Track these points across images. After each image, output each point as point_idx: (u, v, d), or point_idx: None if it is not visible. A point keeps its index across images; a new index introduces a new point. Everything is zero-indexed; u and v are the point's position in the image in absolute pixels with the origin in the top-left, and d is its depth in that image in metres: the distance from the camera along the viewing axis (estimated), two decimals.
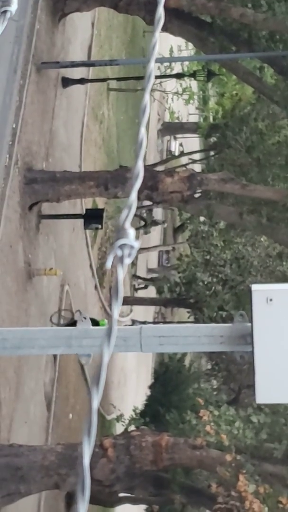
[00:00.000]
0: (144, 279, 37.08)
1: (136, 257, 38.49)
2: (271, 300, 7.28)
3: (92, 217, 22.79)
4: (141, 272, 40.31)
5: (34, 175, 20.18)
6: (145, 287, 36.94)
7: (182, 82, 39.56)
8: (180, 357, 31.09)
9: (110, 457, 16.36)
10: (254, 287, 7.34)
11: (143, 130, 2.08)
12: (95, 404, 1.91)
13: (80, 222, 23.96)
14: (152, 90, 35.64)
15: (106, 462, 16.41)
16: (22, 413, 20.02)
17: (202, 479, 19.92)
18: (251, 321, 7.31)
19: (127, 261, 2.07)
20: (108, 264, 2.10)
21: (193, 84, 43.84)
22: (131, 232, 2.08)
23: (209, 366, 35.86)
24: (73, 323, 23.50)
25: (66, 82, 24.22)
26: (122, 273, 2.06)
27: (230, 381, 31.71)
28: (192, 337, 7.72)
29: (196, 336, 7.72)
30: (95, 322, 24.16)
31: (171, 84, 39.93)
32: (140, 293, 37.85)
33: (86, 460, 1.89)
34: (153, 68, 2.11)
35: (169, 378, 29.65)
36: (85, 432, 1.90)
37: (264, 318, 7.31)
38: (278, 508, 15.33)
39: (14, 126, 19.39)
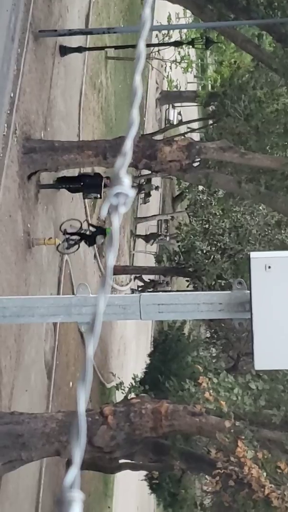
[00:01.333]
0: (140, 235, 36.92)
1: (135, 227, 38.54)
2: (269, 267, 7.34)
3: (91, 187, 22.79)
4: (140, 242, 40.38)
5: (33, 144, 20.16)
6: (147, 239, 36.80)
7: (180, 50, 39.37)
8: (180, 325, 31.24)
9: (110, 424, 16.49)
10: (253, 254, 7.39)
11: (138, 78, 2.07)
12: (90, 351, 1.96)
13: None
14: (150, 58, 35.46)
15: (106, 429, 16.53)
16: (23, 381, 20.17)
17: (201, 445, 20.11)
18: (249, 288, 7.38)
19: (123, 209, 2.05)
20: (103, 212, 2.08)
21: (192, 52, 43.62)
22: (126, 180, 2.06)
23: (208, 334, 36.04)
24: (81, 233, 23.54)
25: (64, 50, 24.12)
26: (117, 222, 2.04)
27: (229, 349, 31.88)
28: (191, 305, 7.80)
29: (195, 303, 7.80)
30: (102, 230, 24.23)
31: (169, 52, 39.74)
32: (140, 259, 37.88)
33: (82, 406, 1.95)
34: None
35: (168, 346, 29.81)
36: (80, 379, 1.96)
37: (263, 285, 7.38)
38: (276, 473, 15.49)
39: (12, 95, 19.34)
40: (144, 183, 37.99)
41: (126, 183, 2.04)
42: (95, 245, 25.62)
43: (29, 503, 20.27)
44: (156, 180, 41.66)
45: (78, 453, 1.92)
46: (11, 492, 18.91)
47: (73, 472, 1.89)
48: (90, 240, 23.97)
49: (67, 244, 23.45)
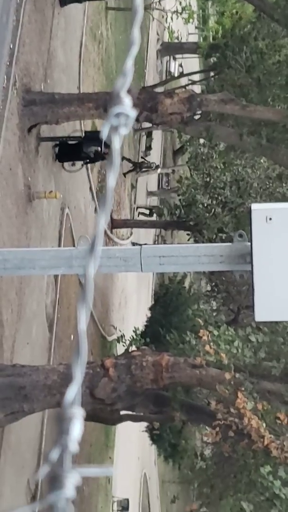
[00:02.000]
0: (145, 208, 36.79)
1: (136, 180, 38.43)
2: (270, 219, 7.34)
3: (92, 140, 22.67)
4: (141, 196, 40.25)
5: (33, 96, 20.02)
6: (150, 213, 36.66)
7: (182, 0, 38.89)
8: (180, 279, 31.34)
9: (111, 377, 16.58)
10: (254, 206, 7.38)
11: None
12: (91, 270, 1.95)
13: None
14: (151, 8, 35.05)
15: (107, 381, 16.63)
16: (24, 334, 20.28)
17: (202, 397, 20.27)
18: (250, 240, 7.38)
19: (123, 130, 1.99)
20: (104, 133, 2.00)
21: (193, 2, 43.09)
22: (127, 100, 1.98)
23: (208, 288, 36.14)
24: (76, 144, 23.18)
25: (64, 0, 23.84)
26: (118, 143, 1.98)
27: (230, 302, 32.00)
28: (192, 257, 7.80)
29: (196, 255, 7.80)
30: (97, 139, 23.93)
31: (170, 3, 39.26)
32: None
33: (83, 325, 1.96)
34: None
35: (169, 299, 29.94)
36: (80, 300, 1.97)
37: (264, 237, 7.38)
38: (275, 424, 15.64)
39: (11, 46, 19.16)
40: (145, 136, 37.79)
41: (126, 103, 1.96)
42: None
43: (31, 454, 20.51)
44: (157, 133, 41.44)
45: (78, 370, 1.94)
46: (13, 442, 19.13)
47: (74, 389, 1.91)
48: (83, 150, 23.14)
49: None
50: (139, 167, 35.42)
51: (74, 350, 1.95)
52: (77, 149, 22.87)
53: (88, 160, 23.66)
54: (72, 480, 1.84)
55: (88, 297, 1.94)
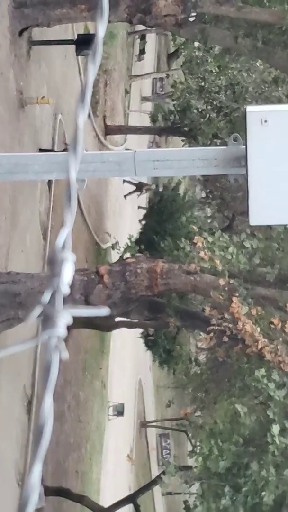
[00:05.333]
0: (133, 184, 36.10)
1: (130, 86, 37.87)
2: (266, 121, 7.19)
3: (84, 43, 22.19)
4: (135, 101, 39.72)
5: None
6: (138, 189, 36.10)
7: None
8: (175, 186, 31.19)
9: (106, 284, 16.62)
10: (249, 108, 7.22)
11: None
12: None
13: (72, 48, 23.36)
14: None
15: (102, 288, 16.67)
16: (19, 241, 20.24)
17: (196, 304, 20.40)
18: (245, 143, 7.25)
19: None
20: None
21: None
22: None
23: (203, 194, 36.02)
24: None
25: None
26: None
27: (224, 208, 31.91)
28: (186, 161, 7.68)
29: (190, 159, 7.67)
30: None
31: None
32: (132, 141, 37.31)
33: (73, 175, 2.00)
34: None
35: (163, 206, 29.86)
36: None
37: (259, 140, 7.25)
38: (269, 329, 15.76)
39: None
40: (139, 39, 37.07)
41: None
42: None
43: (27, 360, 20.72)
44: (151, 37, 40.65)
45: (69, 215, 2.01)
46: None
47: (64, 233, 1.98)
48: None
49: None
50: (139, 188, 35.11)
51: (65, 200, 2.01)
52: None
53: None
54: (64, 319, 1.90)
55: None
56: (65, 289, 1.94)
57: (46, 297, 1.94)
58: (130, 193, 34.99)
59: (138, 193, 35.71)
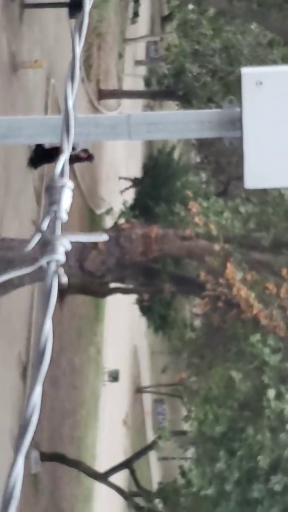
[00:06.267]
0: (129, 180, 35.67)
1: (123, 49, 37.51)
2: (261, 83, 7.06)
3: (78, 6, 21.82)
4: (129, 65, 39.37)
5: None
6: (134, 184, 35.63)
7: None
8: (169, 150, 31.02)
9: (100, 250, 16.56)
10: (244, 70, 7.09)
11: None
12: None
13: (65, 11, 23.06)
14: None
15: (96, 254, 16.62)
16: (13, 208, 20.11)
17: (191, 269, 20.34)
18: (240, 105, 7.13)
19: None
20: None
21: None
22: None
23: (198, 159, 35.83)
24: None
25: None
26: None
27: (219, 173, 31.77)
28: (181, 124, 7.54)
29: (185, 122, 7.53)
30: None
31: None
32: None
33: (70, 103, 2.18)
34: None
35: (158, 171, 29.73)
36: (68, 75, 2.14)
37: (254, 102, 7.11)
38: (264, 294, 15.73)
39: None
40: (133, 2, 36.64)
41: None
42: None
43: (22, 326, 20.68)
44: (144, 1, 40.17)
45: (66, 142, 2.06)
46: (4, 315, 19.25)
47: (62, 160, 2.01)
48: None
49: None
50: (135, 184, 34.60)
51: (62, 127, 2.07)
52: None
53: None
54: (62, 245, 1.94)
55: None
56: (63, 215, 1.95)
57: (44, 223, 1.96)
58: (127, 188, 34.76)
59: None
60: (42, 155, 20.78)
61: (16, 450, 1.77)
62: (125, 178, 34.59)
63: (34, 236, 1.98)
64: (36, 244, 2.01)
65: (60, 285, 1.97)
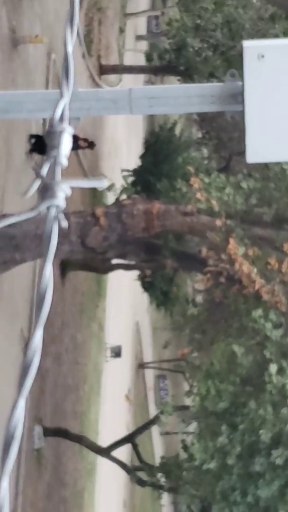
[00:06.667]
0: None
1: (124, 24, 37.27)
2: (263, 56, 7.02)
3: None
4: (130, 40, 39.13)
5: None
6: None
7: None
8: (171, 126, 30.91)
9: (102, 226, 16.54)
10: (246, 43, 7.05)
11: None
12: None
13: None
14: None
15: (98, 230, 16.60)
16: (14, 184, 20.08)
17: (193, 245, 20.33)
18: (242, 79, 7.10)
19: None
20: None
21: None
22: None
23: (199, 135, 35.71)
24: None
25: None
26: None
27: (221, 149, 31.67)
28: (182, 98, 7.51)
29: (187, 96, 7.51)
30: None
31: None
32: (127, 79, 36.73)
33: (70, 48, 2.07)
34: None
35: (159, 147, 29.62)
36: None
37: (256, 75, 7.08)
38: (266, 269, 15.72)
39: None
40: None
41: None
42: None
43: (24, 302, 20.71)
44: None
45: (66, 87, 2.05)
46: (6, 292, 19.28)
47: (62, 105, 2.01)
48: None
49: None
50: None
51: (62, 71, 2.05)
52: None
53: None
54: (63, 190, 1.92)
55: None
56: (63, 161, 1.93)
57: (44, 169, 1.93)
58: (129, 175, 34.60)
59: None
60: (41, 146, 20.85)
61: (18, 391, 1.79)
62: (127, 171, 34.57)
63: (33, 182, 1.94)
64: (37, 190, 2.02)
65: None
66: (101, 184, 2.20)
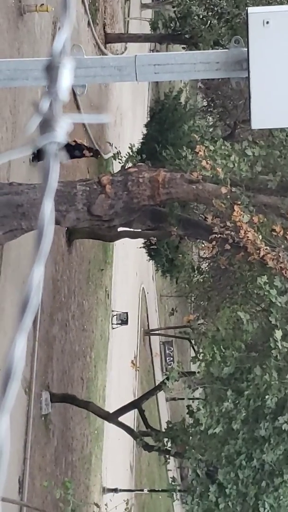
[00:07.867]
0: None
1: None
2: (267, 22, 7.11)
3: None
4: (135, 8, 38.93)
5: None
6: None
7: None
8: (176, 94, 30.88)
9: (108, 194, 16.61)
10: (251, 9, 7.13)
11: None
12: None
13: None
14: None
15: (104, 198, 16.67)
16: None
17: (199, 213, 20.44)
18: (247, 45, 7.19)
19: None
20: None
21: None
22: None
23: (205, 103, 35.68)
24: None
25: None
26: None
27: (226, 117, 31.67)
28: (187, 65, 7.62)
29: (192, 63, 7.62)
30: None
31: None
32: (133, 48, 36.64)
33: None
34: None
35: (165, 115, 29.62)
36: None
37: (260, 42, 7.18)
38: (271, 236, 15.84)
39: None
40: None
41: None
42: None
43: (30, 267, 20.85)
44: None
45: (66, 20, 1.92)
46: (13, 259, 19.44)
47: (62, 38, 1.88)
48: None
49: None
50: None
51: (61, 3, 1.90)
52: None
53: None
54: (63, 125, 1.83)
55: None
56: (63, 95, 1.86)
57: (43, 104, 1.86)
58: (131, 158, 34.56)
59: None
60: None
61: (18, 326, 1.79)
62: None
63: (33, 118, 1.87)
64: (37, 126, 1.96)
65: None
66: (103, 119, 2.18)
